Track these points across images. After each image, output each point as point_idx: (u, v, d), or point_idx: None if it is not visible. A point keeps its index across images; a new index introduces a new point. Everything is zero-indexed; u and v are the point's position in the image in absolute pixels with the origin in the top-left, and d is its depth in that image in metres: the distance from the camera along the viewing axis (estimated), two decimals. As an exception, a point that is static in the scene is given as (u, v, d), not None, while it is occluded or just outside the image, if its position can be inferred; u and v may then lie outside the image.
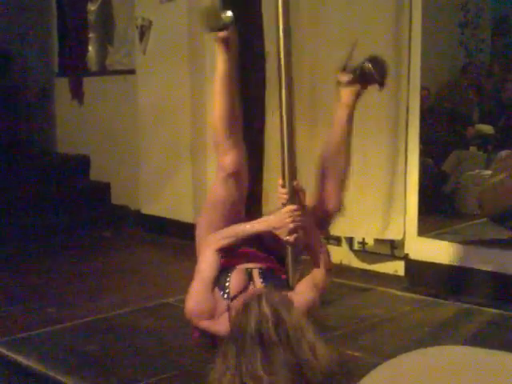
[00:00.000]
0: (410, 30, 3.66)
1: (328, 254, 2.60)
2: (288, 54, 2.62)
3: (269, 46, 4.25)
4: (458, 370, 1.84)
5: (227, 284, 2.47)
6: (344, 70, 2.78)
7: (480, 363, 1.89)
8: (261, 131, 4.40)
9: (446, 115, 5.42)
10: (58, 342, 2.78)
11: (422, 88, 3.82)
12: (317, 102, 4.04)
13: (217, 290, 2.45)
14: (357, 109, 3.84)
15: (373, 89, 3.78)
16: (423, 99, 3.89)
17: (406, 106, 3.74)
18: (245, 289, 2.47)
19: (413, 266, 3.70)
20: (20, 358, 2.61)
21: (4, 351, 2.69)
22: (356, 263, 4.10)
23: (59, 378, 2.43)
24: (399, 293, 3.43)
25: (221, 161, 2.66)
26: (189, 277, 2.98)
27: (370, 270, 4.00)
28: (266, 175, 4.31)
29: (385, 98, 3.78)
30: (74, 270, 4.13)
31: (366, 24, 3.78)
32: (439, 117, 5.31)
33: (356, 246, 4.13)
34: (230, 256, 2.55)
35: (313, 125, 4.07)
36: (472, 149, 5.42)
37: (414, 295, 3.37)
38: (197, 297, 2.45)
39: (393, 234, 3.85)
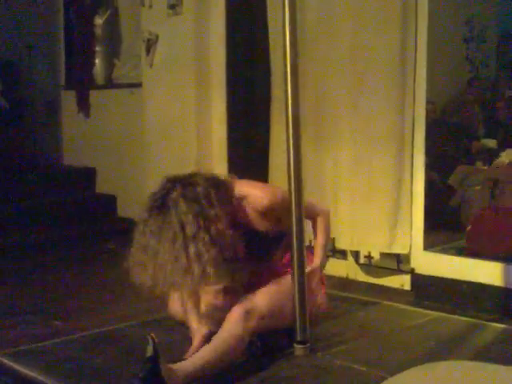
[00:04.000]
0: (416, 45, 3.67)
1: None
2: (295, 69, 2.63)
3: (275, 61, 4.26)
4: (465, 384, 1.83)
5: None
6: None
7: (486, 378, 1.88)
8: (266, 146, 4.40)
9: (452, 129, 5.43)
10: (63, 354, 2.77)
11: (428, 102, 3.83)
12: (323, 115, 4.05)
13: None
14: (363, 122, 3.87)
15: (378, 102, 3.81)
16: (429, 113, 3.89)
17: (411, 120, 3.74)
18: None
19: (419, 280, 3.69)
20: (25, 370, 2.61)
21: (9, 363, 2.68)
22: (362, 277, 4.09)
23: (64, 390, 2.42)
24: (405, 307, 3.42)
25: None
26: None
27: (375, 284, 3.99)
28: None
29: (391, 112, 3.79)
30: (79, 282, 4.13)
31: (372, 39, 3.80)
32: (445, 131, 5.31)
33: (362, 260, 4.12)
34: None
35: (319, 139, 4.08)
36: (478, 164, 5.42)
37: (420, 309, 3.36)
38: None
39: (399, 248, 3.84)
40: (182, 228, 2.40)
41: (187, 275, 2.39)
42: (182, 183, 2.52)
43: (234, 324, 2.52)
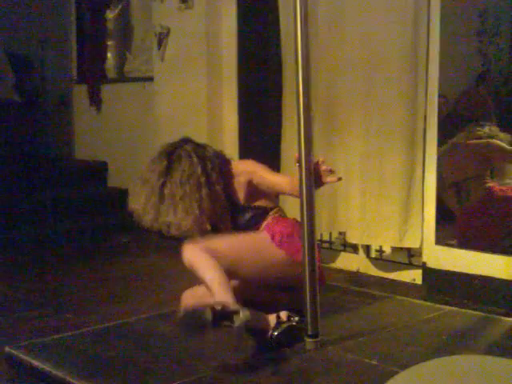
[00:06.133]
0: (428, 38, 3.66)
1: None
2: (306, 62, 2.62)
3: (286, 54, 4.26)
4: (477, 379, 1.82)
5: None
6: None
7: (498, 372, 1.87)
8: (277, 140, 4.40)
9: (464, 124, 5.39)
10: (74, 348, 2.79)
11: (440, 96, 3.81)
12: (334, 110, 4.04)
13: None
14: (375, 116, 3.86)
15: (390, 96, 3.80)
16: (440, 107, 3.87)
17: (423, 113, 3.73)
18: None
19: (431, 274, 3.68)
20: (37, 363, 2.62)
21: (21, 356, 2.70)
22: (373, 271, 4.09)
23: (76, 383, 2.43)
24: (417, 301, 3.41)
25: None
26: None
27: (387, 278, 3.99)
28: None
29: (402, 106, 3.77)
30: (91, 275, 4.15)
31: (383, 33, 3.79)
32: (457, 125, 5.28)
33: (373, 254, 4.12)
34: None
35: (330, 133, 4.07)
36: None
37: (431, 304, 3.35)
38: None
39: (410, 243, 3.83)
40: (191, 176, 2.83)
41: (188, 215, 2.82)
42: (195, 144, 2.98)
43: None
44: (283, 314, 2.71)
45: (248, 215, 2.98)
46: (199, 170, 2.85)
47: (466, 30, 5.14)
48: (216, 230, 3.01)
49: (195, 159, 2.87)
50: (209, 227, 3.00)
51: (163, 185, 2.83)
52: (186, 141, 2.98)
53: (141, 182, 2.89)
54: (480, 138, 4.14)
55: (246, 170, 2.98)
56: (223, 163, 3.00)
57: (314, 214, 2.66)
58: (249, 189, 2.97)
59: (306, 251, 2.64)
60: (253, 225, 2.99)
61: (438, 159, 3.72)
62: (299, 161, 2.61)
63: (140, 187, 2.88)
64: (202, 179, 2.84)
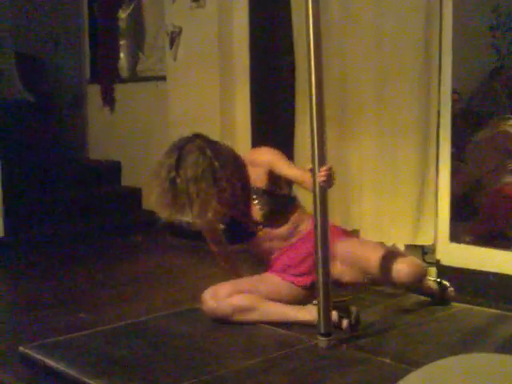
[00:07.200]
0: (441, 34, 3.64)
1: None
2: (318, 58, 2.61)
3: (298, 51, 4.25)
4: (491, 377, 1.81)
5: None
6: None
7: (513, 371, 1.86)
8: (290, 137, 4.39)
9: (477, 119, 5.36)
10: (88, 347, 2.79)
11: (453, 92, 3.78)
12: (347, 106, 4.02)
13: None
14: (388, 112, 3.84)
15: (403, 92, 3.78)
16: (453, 103, 3.84)
17: (436, 109, 3.70)
18: None
19: (444, 271, 3.66)
20: (51, 363, 2.63)
21: (35, 355, 2.71)
22: (387, 269, 4.06)
23: (89, 382, 2.44)
24: (431, 299, 3.39)
25: None
26: (218, 282, 2.99)
27: (400, 276, 3.95)
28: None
29: (416, 102, 3.75)
30: (104, 275, 4.16)
31: (396, 28, 3.77)
32: (470, 120, 5.25)
33: (387, 252, 4.09)
34: None
35: (343, 130, 4.06)
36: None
37: (445, 301, 3.33)
38: None
39: (423, 240, 3.81)
40: (206, 171, 2.80)
41: (206, 212, 2.81)
42: (206, 139, 2.96)
43: None
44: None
45: (273, 201, 3.05)
46: (216, 164, 2.82)
47: (479, 25, 5.10)
48: (237, 223, 3.07)
49: (209, 153, 2.84)
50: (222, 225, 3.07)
51: (174, 179, 2.80)
52: (197, 135, 2.96)
53: (152, 177, 2.89)
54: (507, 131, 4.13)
55: (265, 161, 3.03)
56: (236, 156, 3.01)
57: (327, 212, 2.65)
58: (270, 176, 3.03)
59: (320, 250, 2.63)
60: (281, 213, 3.09)
61: (452, 155, 3.69)
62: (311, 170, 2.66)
63: (152, 181, 2.90)
64: (219, 174, 2.80)
